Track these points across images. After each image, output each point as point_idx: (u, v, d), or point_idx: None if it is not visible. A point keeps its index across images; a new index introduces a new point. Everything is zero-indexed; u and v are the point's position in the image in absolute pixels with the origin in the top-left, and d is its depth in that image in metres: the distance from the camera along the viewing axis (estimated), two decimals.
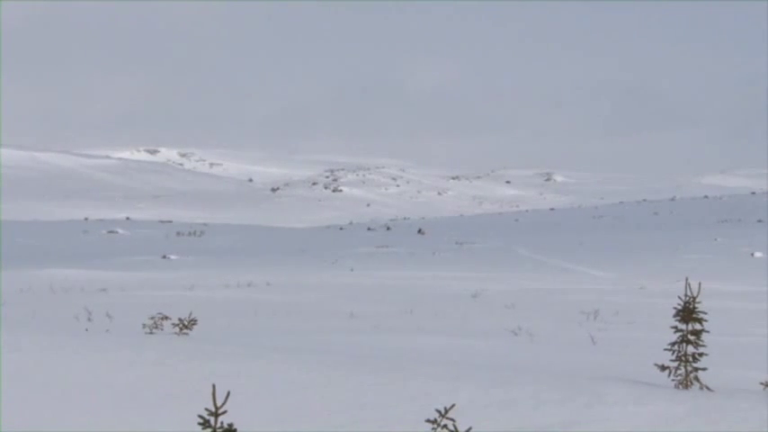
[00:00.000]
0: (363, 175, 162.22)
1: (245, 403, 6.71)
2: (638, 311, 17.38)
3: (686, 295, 8.10)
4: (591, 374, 8.56)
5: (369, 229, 66.96)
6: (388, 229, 66.04)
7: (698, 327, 8.09)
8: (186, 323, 12.03)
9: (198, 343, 10.17)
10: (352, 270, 29.65)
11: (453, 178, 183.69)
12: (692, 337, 8.07)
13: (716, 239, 46.21)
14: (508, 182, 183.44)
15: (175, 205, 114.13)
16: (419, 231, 62.83)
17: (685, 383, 8.00)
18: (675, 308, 8.17)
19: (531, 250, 41.13)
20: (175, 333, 11.85)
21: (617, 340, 13.19)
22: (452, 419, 4.71)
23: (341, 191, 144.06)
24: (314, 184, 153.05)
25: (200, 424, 4.09)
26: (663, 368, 8.06)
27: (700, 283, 8.20)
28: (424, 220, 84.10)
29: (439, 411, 4.80)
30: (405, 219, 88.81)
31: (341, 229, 66.94)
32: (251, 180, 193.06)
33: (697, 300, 8.09)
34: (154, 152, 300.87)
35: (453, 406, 4.84)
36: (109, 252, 39.83)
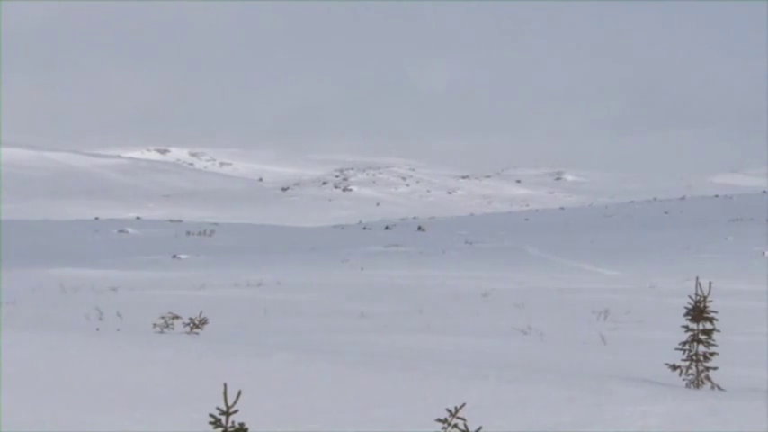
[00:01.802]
0: (373, 175, 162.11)
1: (256, 402, 6.72)
2: (648, 311, 17.34)
3: (697, 294, 8.08)
4: (601, 374, 8.54)
5: (364, 228, 66.73)
6: (387, 228, 65.84)
7: (709, 326, 8.07)
8: (197, 322, 12.05)
9: (208, 342, 10.19)
10: (362, 269, 29.66)
11: (463, 177, 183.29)
12: (703, 337, 8.06)
13: (727, 238, 46.07)
14: (518, 181, 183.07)
15: (185, 205, 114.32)
16: (419, 228, 63.13)
17: (696, 383, 7.99)
18: (686, 307, 8.15)
19: (541, 249, 41.08)
20: (186, 332, 11.87)
21: (627, 339, 13.16)
22: (463, 418, 4.71)
23: (351, 190, 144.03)
24: (324, 183, 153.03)
25: (211, 423, 4.10)
26: (674, 367, 8.05)
27: (710, 283, 8.18)
28: (433, 219, 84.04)
29: (449, 410, 4.80)
30: (414, 218, 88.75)
31: (342, 228, 66.87)
32: (261, 179, 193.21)
33: (708, 299, 8.08)
34: (164, 152, 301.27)
35: (464, 405, 4.84)
36: (119, 251, 39.92)
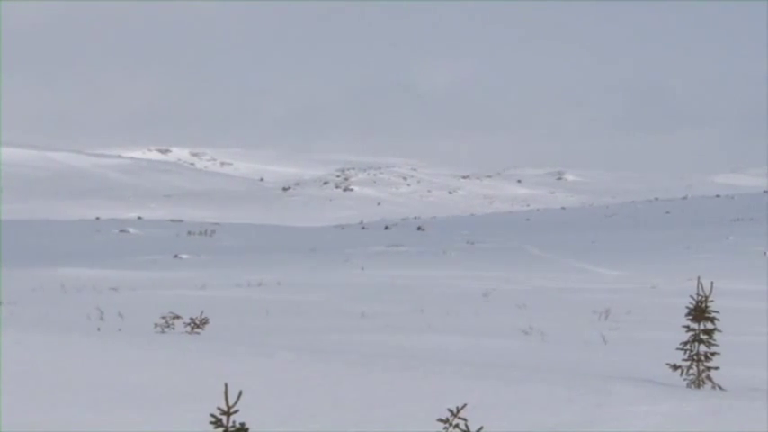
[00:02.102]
0: (374, 175, 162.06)
1: (257, 402, 6.72)
2: (649, 310, 17.34)
3: (698, 294, 8.08)
4: (602, 374, 8.54)
5: (363, 228, 66.75)
6: (386, 228, 65.85)
7: (710, 326, 8.07)
8: (198, 322, 12.06)
9: (209, 342, 10.19)
10: (362, 269, 29.67)
11: (464, 177, 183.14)
12: (704, 337, 8.06)
13: (728, 238, 46.09)
14: (519, 181, 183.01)
15: (187, 204, 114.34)
16: (418, 228, 63.29)
17: (697, 383, 7.99)
18: (687, 307, 8.15)
19: (542, 249, 41.08)
20: (187, 332, 11.88)
21: (629, 339, 13.16)
22: (464, 418, 4.71)
23: (352, 190, 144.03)
24: (325, 183, 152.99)
25: (212, 423, 4.10)
26: (675, 367, 8.04)
27: (712, 282, 8.18)
28: (434, 219, 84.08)
29: (450, 410, 4.80)
30: (415, 218, 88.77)
31: (342, 228, 66.90)
32: (262, 179, 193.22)
33: (709, 299, 8.07)
34: (165, 152, 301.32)
35: (465, 405, 4.84)
36: (120, 251, 39.93)
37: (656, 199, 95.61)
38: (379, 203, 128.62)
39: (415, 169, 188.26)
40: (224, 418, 4.09)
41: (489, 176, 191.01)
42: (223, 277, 25.67)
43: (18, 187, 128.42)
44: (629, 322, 15.52)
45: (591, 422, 6.51)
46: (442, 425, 4.81)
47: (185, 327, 12.06)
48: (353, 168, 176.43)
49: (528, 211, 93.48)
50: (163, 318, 12.32)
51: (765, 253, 36.90)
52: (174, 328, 12.14)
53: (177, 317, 12.31)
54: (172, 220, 69.03)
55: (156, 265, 32.11)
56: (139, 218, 74.24)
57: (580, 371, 8.90)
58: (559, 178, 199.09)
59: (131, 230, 52.94)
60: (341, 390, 7.56)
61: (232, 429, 4.07)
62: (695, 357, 8.03)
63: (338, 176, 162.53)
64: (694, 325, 8.08)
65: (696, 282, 8.23)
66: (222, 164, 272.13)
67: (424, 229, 62.20)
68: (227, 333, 12.44)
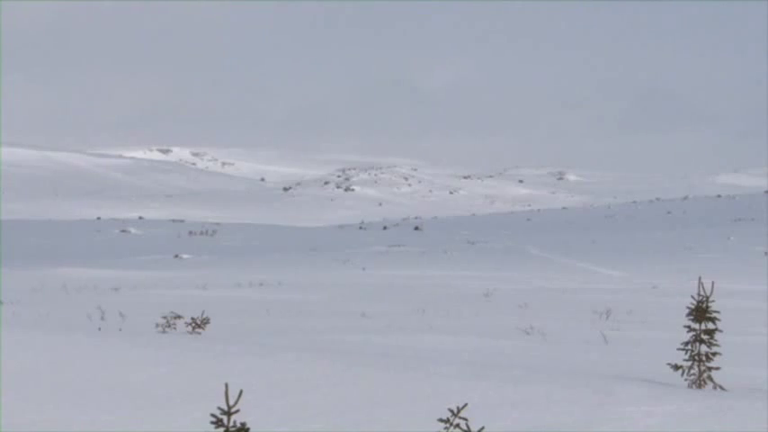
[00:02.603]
0: (375, 175, 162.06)
1: (258, 402, 6.73)
2: (650, 311, 17.34)
3: (699, 294, 8.07)
4: (603, 374, 8.54)
5: (361, 228, 66.77)
6: (385, 228, 65.86)
7: (711, 326, 8.06)
8: (199, 322, 12.06)
9: (210, 342, 10.19)
10: (363, 269, 29.67)
11: (465, 177, 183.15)
12: (705, 337, 8.05)
13: (729, 238, 46.09)
14: (520, 181, 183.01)
15: (188, 204, 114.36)
16: (416, 228, 63.28)
17: (699, 383, 7.98)
18: (688, 307, 8.14)
19: (543, 249, 41.08)
20: (188, 332, 11.88)
21: (630, 339, 13.16)
22: (465, 418, 4.71)
23: (353, 190, 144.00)
24: (326, 183, 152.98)
25: (213, 423, 4.10)
26: (676, 368, 8.04)
27: (713, 283, 8.17)
28: (436, 219, 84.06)
29: (451, 410, 4.79)
30: (416, 218, 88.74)
31: (342, 228, 66.90)
32: (263, 179, 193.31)
33: (710, 299, 8.07)
34: (166, 151, 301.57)
35: (466, 405, 4.84)
36: (121, 251, 39.94)
37: (658, 199, 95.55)
38: (380, 203, 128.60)
39: (416, 169, 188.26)
40: (225, 417, 4.08)
41: (490, 176, 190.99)
42: (224, 277, 25.68)
43: (18, 187, 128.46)
44: (629, 322, 15.52)
45: (592, 422, 6.50)
46: (442, 425, 4.80)
47: (186, 327, 12.05)
48: (354, 168, 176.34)
49: (529, 212, 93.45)
50: (164, 318, 12.32)
51: (766, 253, 36.89)
52: (175, 328, 12.14)
53: (178, 317, 12.31)
54: (173, 220, 69.05)
55: (157, 264, 32.11)
56: (140, 218, 74.28)
57: (581, 371, 8.90)
58: (560, 178, 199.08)
59: (132, 230, 52.97)
60: (342, 390, 7.56)
61: (233, 429, 4.07)
62: (696, 357, 8.02)
63: (339, 176, 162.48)
64: (695, 325, 8.07)
65: (697, 282, 8.22)
66: (223, 164, 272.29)
67: (421, 229, 62.22)
68: (228, 333, 12.44)
